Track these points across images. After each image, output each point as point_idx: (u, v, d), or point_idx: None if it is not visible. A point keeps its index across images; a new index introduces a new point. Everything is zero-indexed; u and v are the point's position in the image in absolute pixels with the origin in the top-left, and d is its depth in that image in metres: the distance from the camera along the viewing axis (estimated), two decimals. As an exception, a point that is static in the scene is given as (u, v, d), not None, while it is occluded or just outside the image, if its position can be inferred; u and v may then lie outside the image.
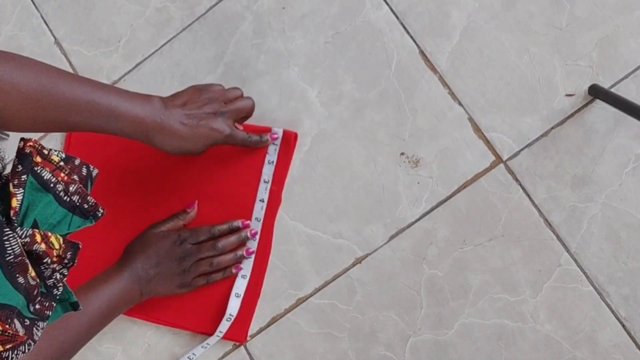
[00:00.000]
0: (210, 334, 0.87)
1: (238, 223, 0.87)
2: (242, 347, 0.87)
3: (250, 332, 0.87)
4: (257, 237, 0.87)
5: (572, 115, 0.85)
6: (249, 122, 0.89)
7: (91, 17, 0.94)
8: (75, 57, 0.94)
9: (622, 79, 0.84)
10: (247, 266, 0.87)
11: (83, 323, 0.77)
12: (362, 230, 0.87)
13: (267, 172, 0.88)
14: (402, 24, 0.89)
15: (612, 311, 0.82)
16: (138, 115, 0.74)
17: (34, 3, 0.96)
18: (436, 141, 0.87)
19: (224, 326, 0.86)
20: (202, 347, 0.86)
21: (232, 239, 0.86)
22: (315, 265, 0.87)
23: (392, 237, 0.86)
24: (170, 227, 0.87)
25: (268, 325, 0.87)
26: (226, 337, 0.87)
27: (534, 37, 0.86)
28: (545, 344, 0.83)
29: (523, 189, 0.85)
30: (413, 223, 0.86)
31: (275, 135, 0.87)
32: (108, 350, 0.89)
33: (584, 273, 0.83)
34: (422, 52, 0.88)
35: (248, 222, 0.87)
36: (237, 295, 0.86)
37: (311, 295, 0.87)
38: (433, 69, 0.87)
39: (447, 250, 0.85)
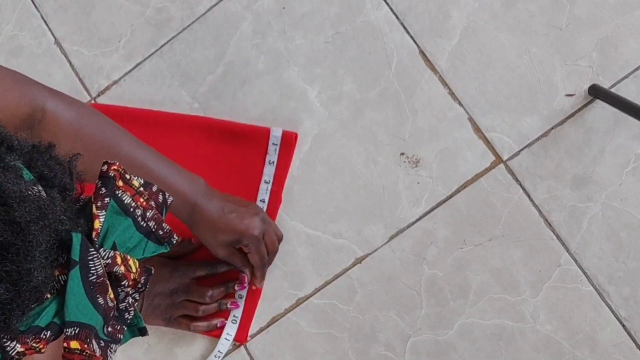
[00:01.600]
0: (215, 336, 0.86)
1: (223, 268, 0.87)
2: (242, 347, 0.87)
3: (250, 332, 0.87)
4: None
5: (572, 115, 0.85)
6: (250, 122, 0.89)
7: (91, 17, 0.94)
8: (75, 57, 0.94)
9: (622, 79, 0.84)
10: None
11: None
12: (362, 230, 0.87)
13: (268, 172, 0.88)
14: (402, 24, 0.89)
15: (612, 311, 0.82)
16: (184, 190, 0.76)
17: (34, 3, 0.96)
18: (436, 141, 0.87)
19: (232, 329, 0.86)
20: (215, 356, 0.86)
21: (221, 289, 0.86)
22: (315, 265, 0.87)
23: (392, 237, 0.86)
24: (170, 253, 0.86)
25: (268, 325, 0.87)
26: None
27: (534, 37, 0.86)
28: (545, 344, 0.83)
29: (523, 189, 0.85)
30: (413, 223, 0.86)
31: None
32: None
33: (584, 273, 0.83)
34: (422, 52, 0.88)
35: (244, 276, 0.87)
36: (240, 297, 0.86)
37: (311, 295, 0.87)
38: (433, 69, 0.87)
39: (447, 250, 0.85)
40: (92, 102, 0.93)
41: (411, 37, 0.88)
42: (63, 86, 0.94)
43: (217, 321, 0.86)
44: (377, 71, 0.88)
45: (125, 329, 0.59)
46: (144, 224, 0.63)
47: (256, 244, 0.81)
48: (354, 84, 0.88)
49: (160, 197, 0.68)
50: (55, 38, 0.95)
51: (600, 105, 0.84)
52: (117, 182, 0.62)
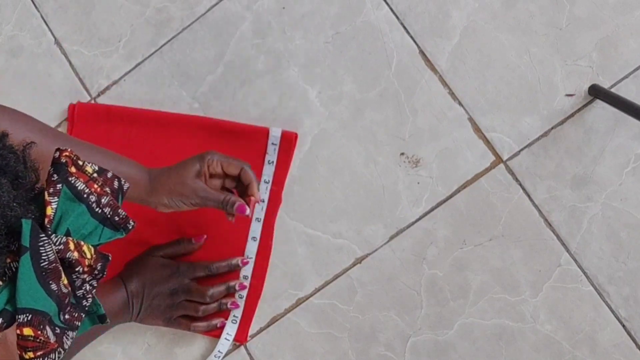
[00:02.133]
0: (215, 336, 0.86)
1: (237, 261, 0.87)
2: (242, 347, 0.87)
3: (250, 332, 0.87)
4: (248, 284, 0.87)
5: (572, 115, 0.85)
6: (249, 122, 0.89)
7: (91, 17, 0.94)
8: (75, 57, 0.94)
9: (622, 79, 0.84)
10: (248, 267, 0.87)
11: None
12: (362, 230, 0.87)
13: (267, 172, 0.88)
14: (402, 24, 0.89)
15: (612, 311, 0.82)
16: (134, 174, 0.77)
17: (34, 3, 0.96)
18: (436, 141, 0.87)
19: (232, 329, 0.86)
20: (215, 356, 0.86)
21: (222, 288, 0.86)
22: (315, 265, 0.87)
23: (392, 237, 0.86)
24: (171, 253, 0.87)
25: (268, 325, 0.87)
26: (226, 337, 0.87)
27: (534, 37, 0.86)
28: (545, 344, 0.83)
29: (523, 189, 0.85)
30: (413, 223, 0.86)
31: (246, 261, 0.87)
32: (108, 350, 0.89)
33: (584, 273, 0.83)
34: (422, 52, 0.88)
35: (247, 259, 0.87)
36: (241, 297, 0.86)
37: (311, 295, 0.87)
38: (433, 69, 0.87)
39: (447, 250, 0.85)
40: (92, 102, 0.93)
41: (411, 37, 0.88)
42: (63, 86, 0.94)
43: (217, 321, 0.85)
44: (377, 71, 0.88)
45: (84, 316, 0.59)
46: (99, 210, 0.62)
47: (222, 158, 0.78)
48: (354, 84, 0.88)
49: (116, 183, 0.67)
50: (55, 38, 0.95)
51: (600, 105, 0.84)
52: (69, 169, 0.62)
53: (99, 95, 0.93)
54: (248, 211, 0.78)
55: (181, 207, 0.78)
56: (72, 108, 0.92)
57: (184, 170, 0.79)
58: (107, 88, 0.93)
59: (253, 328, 0.87)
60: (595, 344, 0.82)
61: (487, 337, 0.84)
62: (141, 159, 0.90)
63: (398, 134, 0.87)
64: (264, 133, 0.88)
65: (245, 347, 0.87)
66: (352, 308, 0.86)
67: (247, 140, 0.88)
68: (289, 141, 0.88)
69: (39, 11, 0.96)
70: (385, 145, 0.87)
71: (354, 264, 0.87)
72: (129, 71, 0.93)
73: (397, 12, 0.89)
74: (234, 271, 0.87)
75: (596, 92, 0.83)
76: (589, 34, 0.85)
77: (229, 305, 0.86)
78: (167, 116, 0.90)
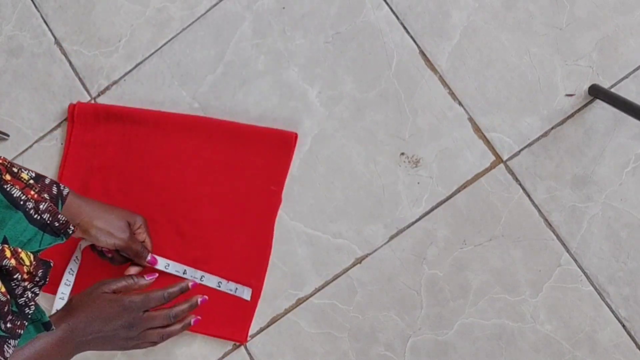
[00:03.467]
0: (215, 336, 0.86)
1: (187, 284, 0.83)
2: (242, 347, 0.87)
3: (250, 332, 0.87)
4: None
5: (572, 115, 0.85)
6: (250, 122, 0.89)
7: (91, 17, 0.94)
8: (75, 57, 0.94)
9: (622, 79, 0.84)
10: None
11: None
12: (362, 230, 0.87)
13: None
14: (402, 24, 0.89)
15: (612, 311, 0.82)
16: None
17: (34, 3, 0.96)
18: (436, 141, 0.87)
19: (66, 289, 0.87)
20: (60, 298, 0.86)
21: (185, 307, 0.82)
22: (315, 265, 0.87)
23: (392, 237, 0.86)
24: (119, 288, 0.79)
25: (268, 325, 0.87)
26: (226, 337, 0.87)
27: (534, 37, 0.86)
28: (545, 344, 0.83)
29: (523, 189, 0.85)
30: (413, 223, 0.86)
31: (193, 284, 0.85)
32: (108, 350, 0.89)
33: (584, 273, 0.83)
34: (422, 52, 0.88)
35: (195, 283, 0.85)
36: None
37: (311, 295, 0.87)
38: (433, 69, 0.87)
39: (447, 250, 0.85)
40: (92, 102, 0.93)
41: (411, 37, 0.88)
42: (63, 86, 0.94)
43: (190, 318, 0.84)
44: (377, 71, 0.88)
45: (26, 324, 0.58)
46: (38, 217, 0.62)
47: (145, 233, 0.83)
48: (354, 84, 0.88)
49: (55, 189, 0.66)
50: (55, 38, 0.95)
51: (600, 105, 0.84)
52: (4, 176, 0.61)
53: (99, 95, 0.93)
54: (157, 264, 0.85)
55: (102, 242, 0.79)
56: (72, 108, 0.92)
57: (122, 215, 0.82)
58: (107, 88, 0.93)
59: (253, 328, 0.87)
60: (595, 344, 0.82)
61: (487, 337, 0.84)
62: (141, 159, 0.90)
63: (398, 134, 0.87)
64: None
65: (245, 347, 0.87)
66: (352, 308, 0.86)
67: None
68: (289, 141, 0.88)
69: (39, 11, 0.96)
70: (385, 145, 0.87)
71: (354, 264, 0.87)
72: (129, 71, 0.93)
73: (397, 12, 0.89)
74: (186, 294, 0.84)
75: (596, 92, 0.83)
76: (589, 34, 0.85)
77: (192, 322, 0.84)
78: (167, 116, 0.90)
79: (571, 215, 0.84)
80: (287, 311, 0.87)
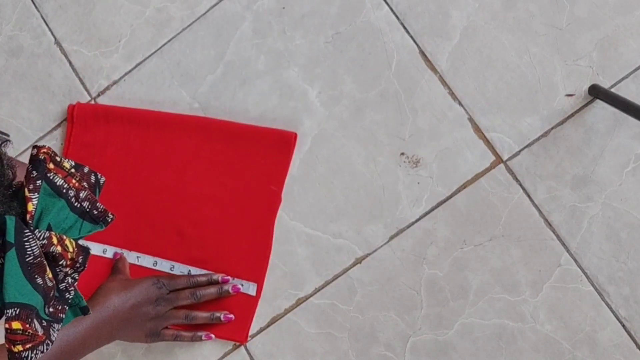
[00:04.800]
0: (217, 336, 0.86)
1: (217, 277, 0.86)
2: (242, 347, 0.87)
3: (250, 332, 0.87)
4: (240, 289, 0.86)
5: (572, 115, 0.85)
6: (249, 122, 0.89)
7: (91, 17, 0.94)
8: (75, 57, 0.94)
9: (622, 79, 0.84)
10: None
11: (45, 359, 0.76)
12: (362, 230, 0.87)
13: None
14: (402, 24, 0.89)
15: (612, 311, 0.82)
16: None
17: (34, 3, 0.96)
18: (436, 141, 0.87)
19: None
20: None
21: (212, 290, 0.85)
22: (315, 265, 0.87)
23: (392, 237, 0.86)
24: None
25: (268, 325, 0.87)
26: (226, 337, 0.87)
27: (534, 37, 0.86)
28: (545, 344, 0.83)
29: (523, 189, 0.85)
30: (413, 223, 0.86)
31: (227, 279, 0.86)
32: (108, 350, 0.89)
33: (584, 273, 0.83)
34: (422, 52, 0.88)
35: (228, 277, 0.86)
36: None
37: (311, 295, 0.87)
38: (433, 69, 0.87)
39: (447, 250, 0.85)
40: (92, 102, 0.93)
41: (411, 37, 0.88)
42: (63, 86, 0.94)
43: (202, 333, 0.85)
44: (377, 71, 0.88)
45: (67, 308, 0.60)
46: (78, 205, 0.63)
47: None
48: (354, 84, 0.88)
49: (93, 177, 0.68)
50: (55, 38, 0.95)
51: (600, 105, 0.84)
52: (48, 165, 0.62)
53: (99, 95, 0.93)
54: None
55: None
56: (72, 108, 0.92)
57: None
58: (107, 88, 0.93)
59: (253, 328, 0.87)
60: (595, 344, 0.82)
61: (487, 337, 0.84)
62: (141, 159, 0.90)
63: (398, 134, 0.87)
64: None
65: (245, 347, 0.87)
66: (352, 308, 0.86)
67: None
68: (288, 141, 0.88)
69: (39, 11, 0.96)
70: (385, 145, 0.87)
71: (354, 264, 0.87)
72: (129, 71, 0.93)
73: (397, 12, 0.89)
74: (216, 285, 0.85)
75: (596, 92, 0.83)
76: (589, 34, 0.85)
77: (222, 318, 0.85)
78: (167, 116, 0.90)
79: (571, 215, 0.84)
80: (287, 311, 0.87)
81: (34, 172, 0.60)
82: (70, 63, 0.95)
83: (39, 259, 0.54)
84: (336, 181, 0.88)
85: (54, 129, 0.94)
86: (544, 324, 0.83)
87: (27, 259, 0.53)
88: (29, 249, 0.54)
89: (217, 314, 0.85)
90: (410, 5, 0.88)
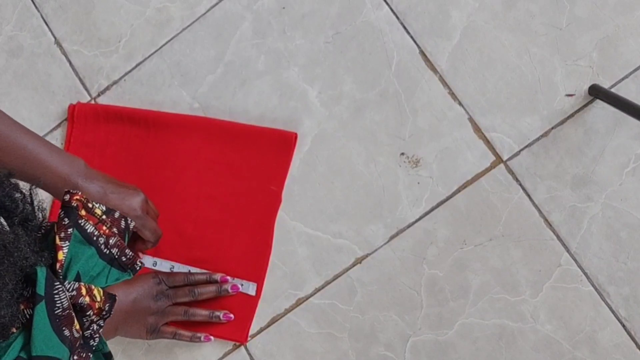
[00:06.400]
0: (215, 336, 0.86)
1: (217, 277, 0.85)
2: (242, 347, 0.87)
3: (250, 332, 0.87)
4: (239, 290, 0.86)
5: (572, 115, 0.85)
6: (250, 122, 0.89)
7: (91, 17, 0.94)
8: (75, 57, 0.94)
9: (622, 79, 0.84)
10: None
11: None
12: (362, 230, 0.87)
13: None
14: (402, 24, 0.89)
15: (612, 311, 0.82)
16: (64, 171, 0.70)
17: (34, 3, 0.96)
18: (436, 141, 0.87)
19: None
20: None
21: (211, 288, 0.84)
22: (315, 265, 0.87)
23: (392, 237, 0.86)
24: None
25: (268, 325, 0.87)
26: (226, 337, 0.87)
27: (534, 37, 0.86)
28: (545, 344, 0.83)
29: (523, 189, 0.85)
30: (413, 223, 0.86)
31: (225, 278, 0.85)
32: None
33: (584, 273, 0.83)
34: (422, 52, 0.88)
35: (227, 277, 0.85)
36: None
37: (311, 295, 0.87)
38: (433, 69, 0.87)
39: (447, 250, 0.85)
40: (92, 102, 0.93)
41: (411, 37, 0.88)
42: (63, 86, 0.94)
43: (201, 334, 0.84)
44: (377, 71, 0.88)
45: (91, 355, 0.60)
46: (107, 251, 0.64)
47: (143, 221, 0.75)
48: (354, 84, 0.88)
49: (123, 223, 0.68)
50: (55, 38, 0.95)
51: (600, 105, 0.84)
52: (79, 212, 0.62)
53: (99, 95, 0.93)
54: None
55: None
56: (72, 108, 0.92)
57: (129, 189, 0.76)
58: (107, 88, 0.93)
59: (253, 328, 0.87)
60: (595, 344, 0.82)
61: (487, 337, 0.84)
62: (141, 159, 0.90)
63: (398, 134, 0.87)
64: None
65: (245, 347, 0.87)
66: (352, 308, 0.86)
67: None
68: (288, 141, 0.88)
69: (39, 11, 0.96)
70: (385, 145, 0.87)
71: (354, 264, 0.87)
72: (129, 71, 0.93)
73: (397, 12, 0.89)
74: (215, 284, 0.85)
75: (596, 92, 0.83)
76: (589, 34, 0.85)
77: (222, 317, 0.85)
78: (167, 116, 0.90)
79: (571, 215, 0.84)
80: (287, 311, 0.87)
81: (66, 219, 0.60)
82: (70, 63, 0.95)
83: (67, 311, 0.54)
84: (336, 181, 0.88)
85: (54, 129, 0.94)
86: (544, 324, 0.83)
87: (56, 312, 0.53)
88: (59, 302, 0.54)
89: (217, 313, 0.84)
90: (410, 5, 0.88)
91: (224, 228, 0.88)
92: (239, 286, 0.86)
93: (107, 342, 0.74)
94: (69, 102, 0.93)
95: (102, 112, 0.91)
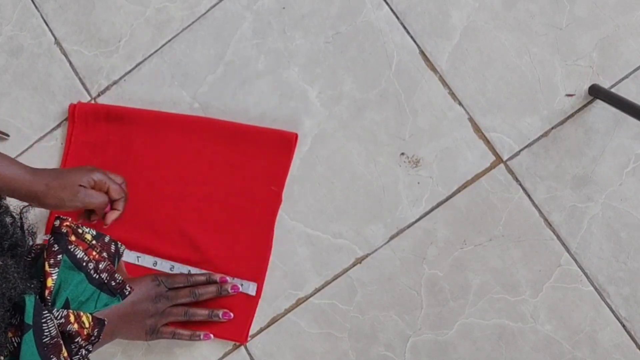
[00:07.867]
0: (215, 336, 0.86)
1: (216, 277, 0.85)
2: (242, 347, 0.87)
3: (250, 332, 0.87)
4: (239, 290, 0.86)
5: (572, 115, 0.85)
6: (250, 122, 0.89)
7: (91, 17, 0.94)
8: (75, 57, 0.94)
9: (622, 79, 0.84)
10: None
11: None
12: (362, 230, 0.87)
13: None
14: (402, 24, 0.89)
15: (613, 311, 0.82)
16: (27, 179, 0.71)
17: (34, 3, 0.96)
18: (436, 141, 0.87)
19: None
20: None
21: (212, 289, 0.84)
22: (315, 265, 0.87)
23: (392, 237, 0.86)
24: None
25: (268, 325, 0.87)
26: (226, 337, 0.87)
27: (534, 37, 0.86)
28: (545, 344, 0.83)
29: (523, 189, 0.85)
30: (413, 223, 0.86)
31: (224, 279, 0.86)
32: (108, 350, 0.89)
33: (584, 273, 0.83)
34: (422, 52, 0.88)
35: (227, 278, 0.85)
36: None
37: (311, 295, 0.87)
38: (433, 69, 0.87)
39: (447, 250, 0.85)
40: (92, 102, 0.93)
41: (411, 37, 0.88)
42: (63, 86, 0.94)
43: (200, 333, 0.84)
44: (377, 71, 0.88)
45: None
46: (97, 276, 0.64)
47: (82, 196, 0.75)
48: (354, 84, 0.88)
49: (113, 247, 0.68)
50: (55, 38, 0.95)
51: (600, 105, 0.84)
52: (69, 237, 0.62)
53: (99, 95, 0.93)
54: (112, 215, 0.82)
55: (64, 206, 0.75)
56: (72, 108, 0.92)
57: (75, 173, 0.77)
58: (107, 88, 0.93)
59: (253, 328, 0.87)
60: (595, 344, 0.82)
61: (487, 337, 0.84)
62: (141, 159, 0.90)
63: (398, 134, 0.87)
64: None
65: (245, 347, 0.87)
66: (352, 308, 0.86)
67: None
68: (289, 141, 0.88)
69: (39, 11, 0.96)
70: (385, 145, 0.87)
71: (354, 264, 0.87)
72: (129, 71, 0.93)
73: (397, 12, 0.89)
74: (215, 284, 0.85)
75: (596, 92, 0.83)
76: (589, 34, 0.85)
77: (221, 316, 0.85)
78: (168, 116, 0.90)
79: (571, 215, 0.84)
80: (287, 311, 0.87)
81: (56, 245, 0.60)
82: (70, 63, 0.95)
83: (55, 339, 0.54)
84: (336, 181, 0.88)
85: (54, 129, 0.94)
86: (544, 324, 0.83)
87: (44, 340, 0.53)
88: (47, 330, 0.54)
89: (216, 312, 0.84)
90: (410, 5, 0.88)
91: (224, 228, 0.88)
92: (239, 286, 0.86)
93: (106, 344, 0.74)
94: (69, 102, 0.93)
95: (103, 112, 0.91)
